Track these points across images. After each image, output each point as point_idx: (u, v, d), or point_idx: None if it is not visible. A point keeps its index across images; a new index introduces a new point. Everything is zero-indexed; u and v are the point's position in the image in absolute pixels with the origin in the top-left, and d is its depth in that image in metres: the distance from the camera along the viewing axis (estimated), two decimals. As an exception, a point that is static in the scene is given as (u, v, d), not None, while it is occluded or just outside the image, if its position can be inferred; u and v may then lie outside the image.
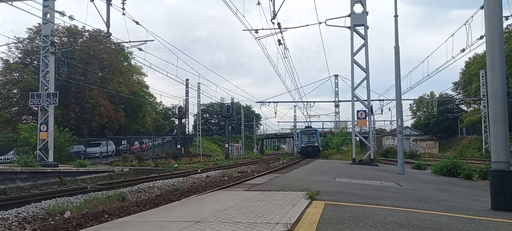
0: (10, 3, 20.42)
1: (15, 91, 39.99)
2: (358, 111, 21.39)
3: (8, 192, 15.25)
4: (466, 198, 8.71)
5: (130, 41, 23.27)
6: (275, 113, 59.34)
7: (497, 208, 6.34)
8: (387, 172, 16.52)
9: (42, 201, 12.60)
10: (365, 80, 21.30)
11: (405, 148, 26.08)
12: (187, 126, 58.00)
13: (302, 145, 55.53)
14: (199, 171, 26.89)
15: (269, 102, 44.00)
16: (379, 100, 49.06)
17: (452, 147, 58.08)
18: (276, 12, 20.12)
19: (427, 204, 6.88)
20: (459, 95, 67.75)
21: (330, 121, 70.34)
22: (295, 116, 75.30)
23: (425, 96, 77.64)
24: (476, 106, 60.53)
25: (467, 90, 61.98)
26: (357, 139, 23.89)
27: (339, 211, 5.38)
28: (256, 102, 47.86)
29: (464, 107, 69.02)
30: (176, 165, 32.48)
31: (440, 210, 6.20)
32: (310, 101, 49.34)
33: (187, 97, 53.35)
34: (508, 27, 46.57)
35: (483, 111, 46.08)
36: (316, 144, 54.29)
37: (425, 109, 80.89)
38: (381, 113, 60.69)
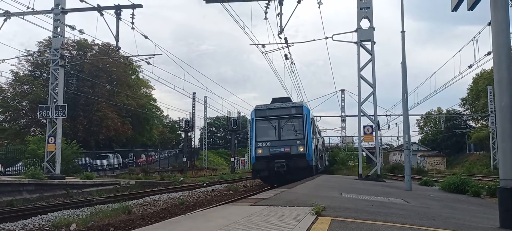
0: (21, 17, 20.78)
1: (24, 103, 40.41)
2: (364, 126, 21.32)
3: (15, 203, 15.30)
4: (474, 216, 8.61)
5: (138, 55, 23.48)
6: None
7: (506, 226, 6.26)
8: (394, 188, 16.39)
9: (49, 213, 12.63)
10: (372, 95, 21.28)
11: (412, 163, 25.91)
12: (193, 139, 58.10)
13: (259, 151, 20.49)
14: (204, 184, 26.86)
15: (275, 116, 43.42)
16: (386, 115, 48.92)
17: (459, 163, 57.54)
18: (283, 27, 20.23)
19: (435, 221, 6.81)
20: (467, 111, 67.35)
21: (337, 136, 69.35)
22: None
23: (433, 112, 77.31)
24: (484, 122, 60.10)
25: (475, 106, 61.62)
26: (364, 154, 23.77)
27: (345, 227, 5.34)
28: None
29: (472, 123, 68.57)
30: (182, 178, 32.48)
31: (448, 227, 6.13)
32: (317, 116, 48.58)
33: (193, 111, 53.55)
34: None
35: (491, 127, 45.71)
36: (301, 148, 20.18)
37: (432, 125, 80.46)
38: (388, 129, 60.44)
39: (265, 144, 20.15)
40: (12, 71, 38.54)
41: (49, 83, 24.04)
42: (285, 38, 21.59)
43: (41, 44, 40.09)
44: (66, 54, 30.60)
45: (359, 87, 21.19)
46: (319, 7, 20.06)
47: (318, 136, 31.75)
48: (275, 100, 22.13)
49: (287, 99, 22.67)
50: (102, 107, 40.37)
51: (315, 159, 22.70)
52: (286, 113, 20.74)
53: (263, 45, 22.53)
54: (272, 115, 20.69)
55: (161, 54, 23.71)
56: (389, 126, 51.12)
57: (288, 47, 22.65)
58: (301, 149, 19.80)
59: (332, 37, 21.95)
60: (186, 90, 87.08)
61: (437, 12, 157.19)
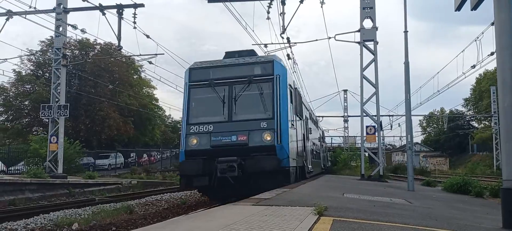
0: (24, 16, 20.83)
1: (26, 103, 40.55)
2: (367, 126, 21.27)
3: (17, 203, 15.35)
4: (477, 216, 8.57)
5: (140, 55, 23.58)
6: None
7: (509, 227, 6.22)
8: (397, 189, 16.35)
9: (51, 213, 12.66)
10: (375, 96, 21.22)
11: (415, 164, 25.85)
12: (195, 139, 57.98)
13: (192, 142, 12.16)
14: (207, 184, 26.79)
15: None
16: (389, 115, 48.88)
17: (462, 164, 57.43)
18: (285, 27, 20.20)
19: (437, 221, 6.78)
20: (470, 112, 67.26)
21: (339, 136, 68.91)
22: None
23: (435, 112, 77.18)
24: (487, 123, 59.99)
25: (478, 107, 61.52)
26: (366, 154, 23.72)
27: (347, 227, 5.32)
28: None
29: (475, 124, 68.44)
30: (184, 178, 32.42)
31: (450, 228, 6.10)
32: (319, 116, 48.30)
33: (196, 111, 53.50)
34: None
35: (494, 128, 45.63)
36: (268, 135, 11.76)
37: (435, 125, 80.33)
38: (391, 129, 60.29)
39: (204, 128, 12.15)
40: (14, 70, 38.77)
41: (51, 83, 24.12)
42: (288, 38, 21.58)
43: (43, 43, 40.25)
44: (68, 54, 30.66)
45: (362, 88, 21.15)
46: (321, 6, 20.03)
47: (310, 122, 21.29)
48: (229, 55, 13.81)
49: (251, 52, 14.04)
50: (104, 107, 40.46)
51: (296, 157, 13.90)
52: (243, 74, 12.58)
53: (266, 45, 22.49)
54: (219, 78, 12.64)
55: (163, 53, 23.73)
56: (391, 126, 51.11)
57: (290, 47, 22.60)
58: (268, 138, 11.75)
59: (334, 37, 21.92)
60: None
61: (440, 12, 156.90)
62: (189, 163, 11.94)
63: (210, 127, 12.11)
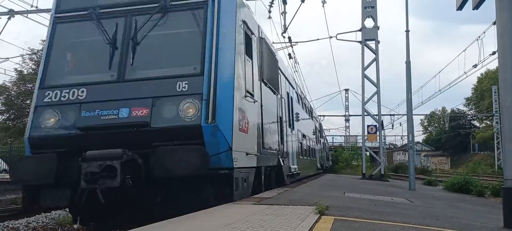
0: (25, 15, 20.86)
1: (28, 102, 40.60)
2: (368, 126, 21.31)
3: (19, 201, 15.38)
4: (478, 216, 8.58)
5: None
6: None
7: (510, 227, 6.22)
8: (398, 188, 16.35)
9: (52, 211, 12.68)
10: (376, 95, 21.22)
11: (416, 163, 25.87)
12: (196, 138, 58.04)
13: (47, 121, 6.41)
14: (208, 183, 26.75)
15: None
16: (390, 115, 48.93)
17: (464, 163, 57.42)
18: (287, 26, 20.20)
19: (438, 221, 6.79)
20: (471, 111, 67.26)
21: (341, 135, 68.97)
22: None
23: (437, 112, 77.16)
24: (488, 122, 59.96)
25: (479, 106, 61.51)
26: (368, 153, 23.75)
27: (348, 226, 5.33)
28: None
29: (476, 123, 68.43)
30: (185, 177, 32.48)
31: (451, 227, 6.11)
32: (320, 115, 48.21)
33: (197, 110, 53.55)
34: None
35: (496, 127, 45.61)
36: (190, 106, 6.07)
37: (436, 124, 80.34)
38: (392, 128, 60.38)
39: (69, 94, 6.69)
40: (16, 69, 38.77)
41: (53, 82, 24.14)
42: (289, 37, 21.55)
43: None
44: (70, 53, 30.66)
45: (363, 87, 21.17)
46: (323, 6, 20.02)
47: (298, 106, 15.98)
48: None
49: None
50: (106, 106, 40.54)
51: (260, 151, 8.61)
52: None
53: (267, 44, 22.36)
54: (108, 5, 7.23)
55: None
56: (393, 126, 51.18)
57: (292, 46, 22.57)
58: (190, 112, 6.20)
59: (336, 37, 21.95)
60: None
61: (442, 11, 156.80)
62: (31, 162, 6.40)
63: (82, 92, 6.68)
